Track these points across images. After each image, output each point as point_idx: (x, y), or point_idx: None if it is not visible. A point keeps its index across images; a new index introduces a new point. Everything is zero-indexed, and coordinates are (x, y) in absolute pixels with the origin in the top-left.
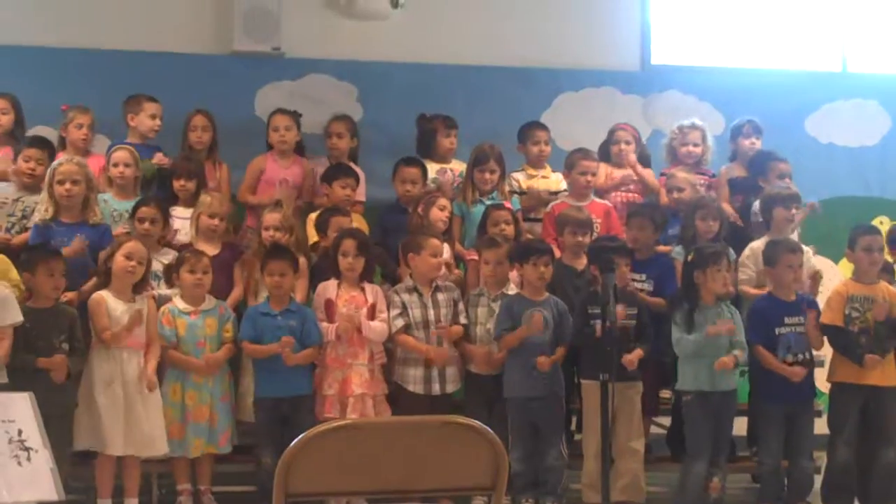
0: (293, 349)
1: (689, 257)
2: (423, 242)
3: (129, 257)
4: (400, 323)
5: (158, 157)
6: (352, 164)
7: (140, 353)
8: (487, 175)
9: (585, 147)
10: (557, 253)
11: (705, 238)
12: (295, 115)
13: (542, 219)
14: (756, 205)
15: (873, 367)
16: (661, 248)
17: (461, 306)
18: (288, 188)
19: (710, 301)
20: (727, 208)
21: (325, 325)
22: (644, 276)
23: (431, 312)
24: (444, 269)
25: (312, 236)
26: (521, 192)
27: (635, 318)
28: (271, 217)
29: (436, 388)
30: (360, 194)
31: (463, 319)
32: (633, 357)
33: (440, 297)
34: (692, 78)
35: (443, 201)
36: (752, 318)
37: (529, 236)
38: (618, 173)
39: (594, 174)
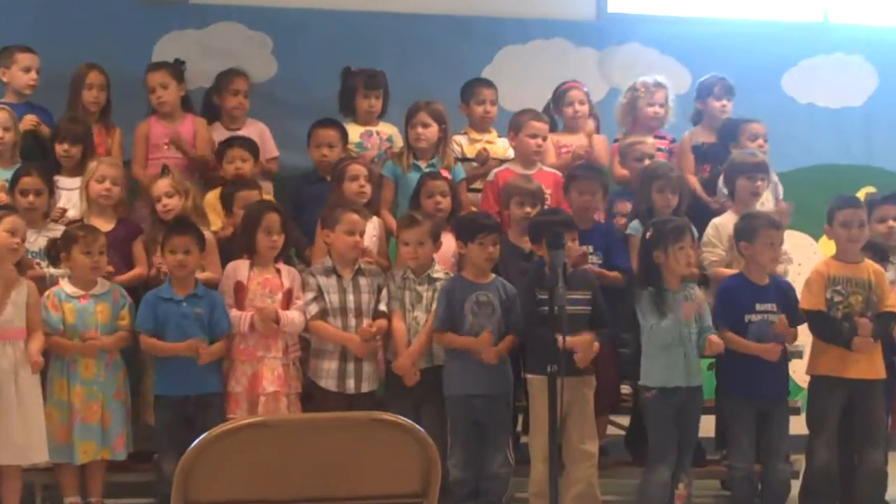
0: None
1: (647, 234)
2: (338, 216)
3: (13, 233)
4: (315, 309)
5: (27, 121)
6: (246, 129)
7: (14, 344)
8: (420, 130)
9: (537, 111)
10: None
11: (663, 213)
12: (174, 68)
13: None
14: (721, 180)
15: (863, 351)
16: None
17: (385, 292)
18: (179, 139)
19: (674, 284)
20: (691, 180)
21: (235, 312)
22: (591, 248)
23: (351, 298)
24: (367, 251)
25: (216, 221)
26: (464, 159)
27: (589, 303)
28: (161, 184)
29: (350, 385)
30: (270, 150)
31: (383, 306)
32: (581, 346)
33: (362, 281)
34: (654, 28)
35: (355, 169)
36: (721, 301)
37: (474, 209)
38: (568, 140)
39: (545, 138)
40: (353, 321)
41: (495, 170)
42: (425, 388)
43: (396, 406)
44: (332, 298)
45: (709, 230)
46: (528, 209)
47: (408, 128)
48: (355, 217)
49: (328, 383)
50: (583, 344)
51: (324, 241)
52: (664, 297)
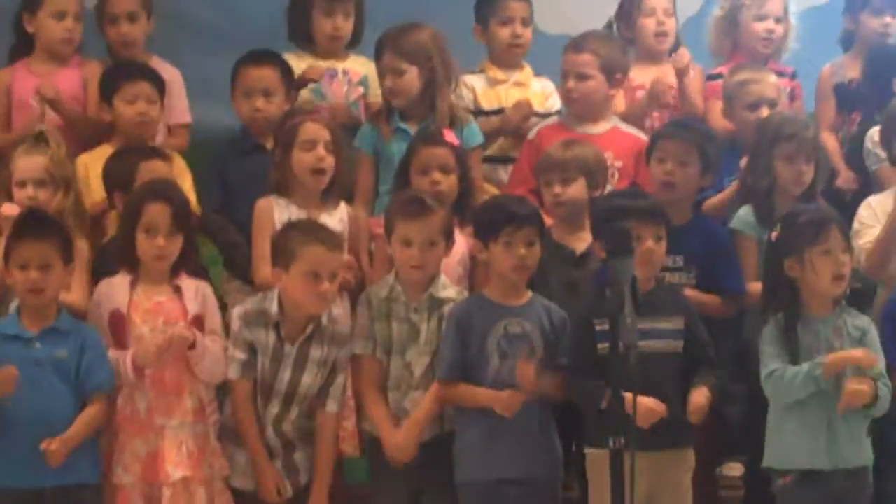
0: (60, 401)
1: (773, 234)
2: (294, 249)
3: None
4: (237, 372)
5: None
6: (150, 63)
7: None
8: (389, 81)
9: (595, 30)
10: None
11: (792, 194)
12: None
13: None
14: (872, 133)
15: None
16: None
17: (341, 379)
18: (59, 104)
19: (820, 308)
20: (828, 141)
21: (114, 354)
22: (680, 259)
23: (286, 376)
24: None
25: (96, 197)
26: (479, 112)
27: (681, 335)
28: (28, 163)
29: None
30: (181, 112)
31: (333, 405)
32: (697, 404)
33: (314, 352)
34: None
35: (310, 130)
36: (889, 327)
37: (493, 191)
38: (643, 76)
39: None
40: (274, 409)
41: (539, 125)
42: (427, 468)
43: (385, 498)
44: (266, 368)
45: (861, 211)
46: (558, 189)
47: (378, 75)
48: (322, 252)
49: (244, 482)
50: (648, 414)
51: (275, 284)
52: (799, 327)
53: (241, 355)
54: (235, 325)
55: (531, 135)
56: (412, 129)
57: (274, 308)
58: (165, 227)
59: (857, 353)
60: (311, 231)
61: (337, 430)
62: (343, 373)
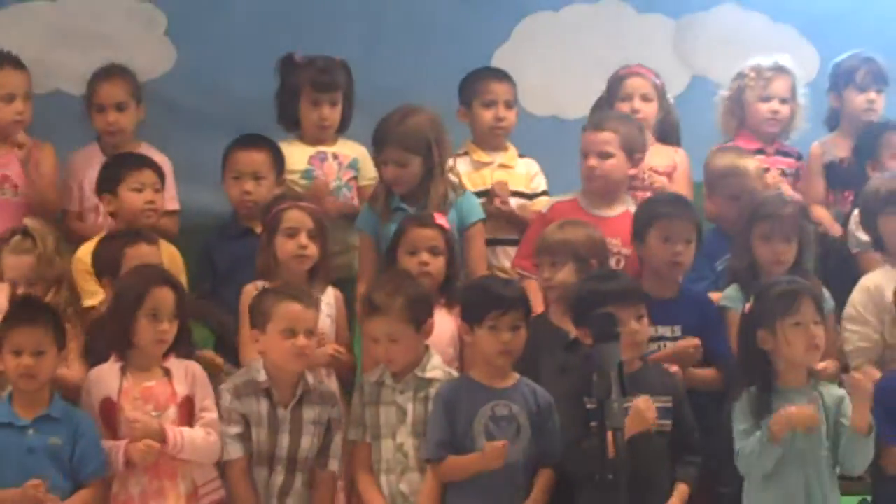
0: (55, 489)
1: (747, 307)
2: (268, 310)
3: None
4: (238, 451)
5: None
6: (139, 150)
7: None
8: (391, 171)
9: (613, 111)
10: (539, 302)
11: (773, 271)
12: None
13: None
14: (854, 215)
15: None
16: (714, 295)
17: (338, 438)
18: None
19: (794, 380)
20: (821, 215)
21: (108, 443)
22: (678, 329)
23: (285, 441)
24: (322, 347)
25: (88, 290)
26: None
27: (670, 415)
28: (17, 263)
29: None
30: (169, 199)
31: (334, 464)
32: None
33: (307, 413)
34: None
35: (293, 217)
36: (881, 402)
37: (482, 272)
38: None
39: (601, 154)
40: (279, 477)
41: (551, 200)
42: None
43: None
44: (261, 436)
45: (855, 296)
46: (547, 273)
47: (376, 159)
48: (296, 308)
49: None
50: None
51: (254, 347)
52: (774, 399)
53: (235, 429)
54: (226, 399)
55: (545, 209)
56: (411, 208)
57: (262, 376)
58: (169, 311)
59: (803, 410)
60: (284, 290)
61: (335, 491)
62: (340, 431)
